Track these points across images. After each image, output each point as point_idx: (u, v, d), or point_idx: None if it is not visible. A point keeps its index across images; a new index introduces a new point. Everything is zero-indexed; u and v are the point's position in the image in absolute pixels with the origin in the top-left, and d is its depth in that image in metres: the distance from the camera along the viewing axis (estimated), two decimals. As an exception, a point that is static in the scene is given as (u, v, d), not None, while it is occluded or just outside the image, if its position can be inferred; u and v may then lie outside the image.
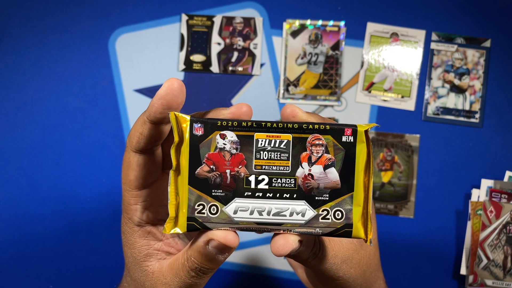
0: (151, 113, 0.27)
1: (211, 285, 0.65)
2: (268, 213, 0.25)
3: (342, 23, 0.66)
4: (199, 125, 0.24)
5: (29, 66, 0.66)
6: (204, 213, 0.25)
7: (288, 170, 0.25)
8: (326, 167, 0.25)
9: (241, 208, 0.25)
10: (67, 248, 0.65)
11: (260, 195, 0.25)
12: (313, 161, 0.25)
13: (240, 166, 0.24)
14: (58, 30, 0.66)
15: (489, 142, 0.64)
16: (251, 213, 0.25)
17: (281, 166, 0.25)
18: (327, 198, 0.25)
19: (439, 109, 0.65)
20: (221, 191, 0.24)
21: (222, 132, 0.24)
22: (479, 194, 0.63)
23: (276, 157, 0.24)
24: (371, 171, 0.25)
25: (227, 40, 0.66)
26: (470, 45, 0.65)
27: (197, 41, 0.66)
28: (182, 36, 0.66)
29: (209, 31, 0.66)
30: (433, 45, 0.65)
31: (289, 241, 0.26)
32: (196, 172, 0.24)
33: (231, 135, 0.24)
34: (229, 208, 0.25)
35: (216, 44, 0.66)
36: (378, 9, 0.66)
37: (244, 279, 0.65)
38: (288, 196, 0.25)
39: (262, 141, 0.24)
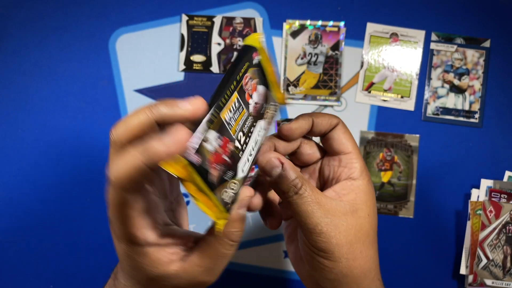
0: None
1: (212, 285, 0.65)
2: (253, 149, 0.32)
3: (342, 24, 0.66)
4: (196, 155, 0.26)
5: (30, 66, 0.66)
6: (228, 193, 0.29)
7: (246, 114, 0.31)
8: (257, 89, 0.33)
9: (242, 166, 0.30)
10: (68, 248, 0.65)
11: (245, 145, 0.31)
12: (251, 94, 0.32)
13: (228, 145, 0.29)
14: (59, 30, 0.66)
15: (488, 142, 0.65)
16: (247, 160, 0.31)
17: (242, 117, 0.30)
18: (264, 105, 0.34)
19: (439, 109, 0.65)
20: (229, 171, 0.29)
21: (206, 141, 0.27)
22: (478, 194, 0.63)
23: (237, 115, 0.30)
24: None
25: (227, 40, 0.66)
26: (470, 45, 0.65)
27: (197, 41, 0.66)
28: (182, 36, 0.66)
29: (209, 31, 0.66)
30: (432, 45, 0.66)
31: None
32: (210, 180, 0.27)
33: (212, 135, 0.27)
34: (239, 175, 0.30)
35: (216, 44, 0.66)
36: (378, 10, 0.66)
37: (245, 279, 0.65)
38: (253, 127, 0.32)
39: (226, 115, 0.28)
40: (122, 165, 0.27)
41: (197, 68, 0.66)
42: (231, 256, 0.32)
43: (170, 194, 0.35)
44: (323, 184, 0.39)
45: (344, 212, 0.33)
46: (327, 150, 0.38)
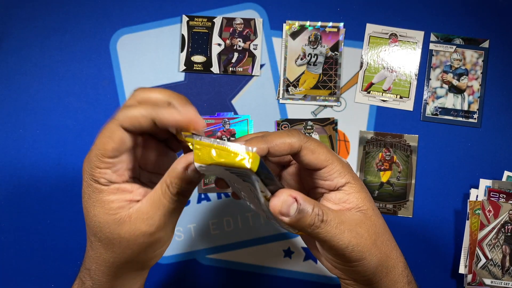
0: (174, 123, 0.32)
1: (212, 285, 0.65)
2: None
3: (341, 24, 0.66)
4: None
5: (30, 66, 0.66)
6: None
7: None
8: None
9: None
10: (69, 248, 0.65)
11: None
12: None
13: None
14: (60, 31, 0.66)
15: (487, 142, 0.65)
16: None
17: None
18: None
19: (438, 109, 0.65)
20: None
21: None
22: (477, 194, 0.63)
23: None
24: None
25: (227, 41, 0.66)
26: (469, 46, 0.66)
27: (197, 42, 0.66)
28: (182, 37, 0.66)
29: (209, 32, 0.66)
30: (431, 46, 0.66)
31: (284, 199, 0.33)
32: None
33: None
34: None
35: (217, 45, 0.66)
36: (377, 10, 0.66)
37: (244, 278, 0.65)
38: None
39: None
40: (134, 110, 0.32)
41: (197, 68, 0.66)
42: (171, 211, 0.33)
43: (151, 166, 0.38)
44: (304, 184, 0.41)
45: (359, 220, 0.35)
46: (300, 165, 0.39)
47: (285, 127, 0.66)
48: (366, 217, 0.36)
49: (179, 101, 0.33)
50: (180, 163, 0.32)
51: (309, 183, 0.39)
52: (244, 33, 0.66)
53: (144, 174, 0.38)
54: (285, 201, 0.32)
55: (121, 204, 0.34)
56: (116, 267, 0.36)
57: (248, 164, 0.27)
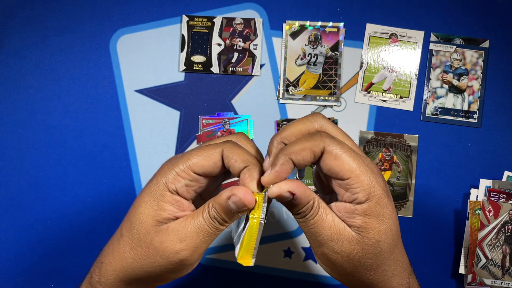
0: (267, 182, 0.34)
1: (212, 285, 0.65)
2: None
3: (341, 24, 0.66)
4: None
5: (31, 66, 0.66)
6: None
7: None
8: None
9: None
10: (68, 248, 0.65)
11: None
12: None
13: None
14: (60, 31, 0.66)
15: (487, 142, 0.65)
16: None
17: None
18: None
19: (438, 109, 0.65)
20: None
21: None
22: (477, 194, 0.63)
23: None
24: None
25: (227, 41, 0.66)
26: (469, 46, 0.66)
27: (197, 42, 0.66)
28: (182, 37, 0.66)
29: (209, 32, 0.66)
30: (431, 46, 0.66)
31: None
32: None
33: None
34: None
35: (217, 45, 0.66)
36: (377, 10, 0.66)
37: (244, 278, 0.65)
38: None
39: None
40: (243, 156, 0.35)
41: (197, 68, 0.66)
42: (204, 233, 0.34)
43: (206, 194, 0.39)
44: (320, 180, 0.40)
45: (349, 239, 0.34)
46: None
47: (285, 127, 0.66)
48: (359, 243, 0.34)
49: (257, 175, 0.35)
50: (226, 192, 0.33)
51: (324, 182, 0.38)
52: (244, 33, 0.66)
53: (199, 200, 0.39)
54: (280, 196, 0.34)
55: (169, 216, 0.35)
56: (130, 271, 0.36)
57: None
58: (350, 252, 0.34)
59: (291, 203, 0.34)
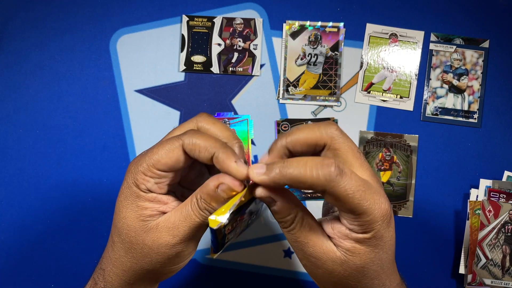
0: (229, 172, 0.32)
1: (212, 285, 0.65)
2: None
3: (341, 24, 0.66)
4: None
5: (31, 66, 0.66)
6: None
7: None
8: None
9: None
10: (68, 248, 0.65)
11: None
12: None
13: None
14: (59, 31, 0.66)
15: (487, 142, 0.65)
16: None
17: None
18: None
19: (438, 109, 0.65)
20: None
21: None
22: (477, 194, 0.63)
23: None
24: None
25: (227, 41, 0.66)
26: (469, 45, 0.66)
27: (197, 42, 0.66)
28: (182, 37, 0.66)
29: (209, 32, 0.66)
30: (431, 46, 0.66)
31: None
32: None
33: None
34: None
35: (217, 45, 0.66)
36: (377, 10, 0.66)
37: (244, 278, 0.65)
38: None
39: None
40: (201, 140, 0.33)
41: (197, 68, 0.66)
42: (197, 225, 0.34)
43: (187, 183, 0.39)
44: None
45: (332, 259, 0.32)
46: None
47: (285, 127, 0.66)
48: (343, 265, 0.32)
49: (240, 151, 0.35)
50: (212, 180, 0.33)
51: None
52: (244, 33, 0.66)
53: (178, 188, 0.39)
54: (262, 199, 0.33)
55: (153, 213, 0.35)
56: (132, 273, 0.36)
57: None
58: (332, 271, 0.33)
59: (273, 210, 0.33)
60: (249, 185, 0.33)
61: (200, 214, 0.34)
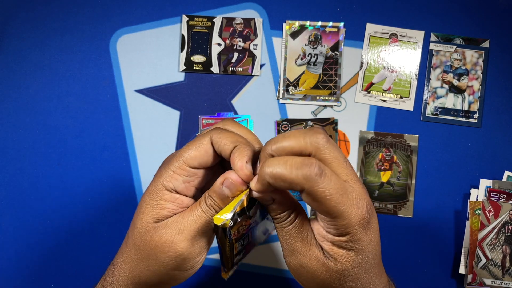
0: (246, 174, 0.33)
1: (212, 285, 0.65)
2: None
3: (341, 24, 0.66)
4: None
5: (31, 66, 0.66)
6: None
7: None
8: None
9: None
10: (68, 248, 0.65)
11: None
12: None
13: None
14: (59, 31, 0.66)
15: (487, 142, 0.65)
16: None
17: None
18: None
19: (438, 109, 0.65)
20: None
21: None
22: (477, 194, 0.63)
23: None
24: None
25: (227, 41, 0.66)
26: (469, 45, 0.66)
27: (197, 42, 0.66)
28: (182, 37, 0.66)
29: (209, 32, 0.66)
30: (432, 46, 0.66)
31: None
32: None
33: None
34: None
35: (217, 45, 0.66)
36: (377, 10, 0.66)
37: (244, 278, 0.65)
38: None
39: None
40: (229, 137, 0.34)
41: (197, 68, 0.66)
42: (204, 224, 0.35)
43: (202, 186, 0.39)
44: None
45: (317, 257, 0.33)
46: None
47: (285, 127, 0.66)
48: (325, 266, 0.33)
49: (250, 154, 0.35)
50: (220, 178, 0.34)
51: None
52: (244, 33, 0.66)
53: (200, 195, 0.39)
54: (260, 198, 0.34)
55: (169, 214, 0.35)
56: (138, 271, 0.36)
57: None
58: (315, 271, 0.33)
59: (270, 207, 0.34)
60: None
61: (206, 210, 0.34)
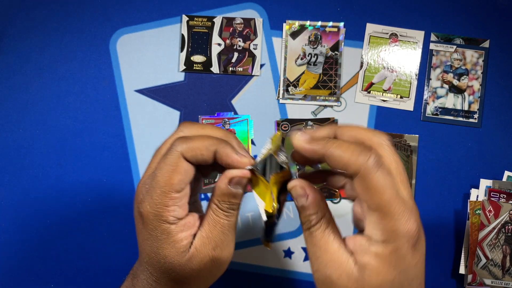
0: (231, 161, 0.33)
1: (212, 285, 0.65)
2: None
3: (341, 24, 0.66)
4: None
5: (30, 66, 0.66)
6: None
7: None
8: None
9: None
10: (68, 248, 0.65)
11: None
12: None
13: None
14: (59, 31, 0.66)
15: (487, 142, 0.65)
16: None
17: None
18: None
19: (438, 109, 0.65)
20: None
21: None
22: (478, 194, 0.63)
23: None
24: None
25: (227, 41, 0.66)
26: (469, 45, 0.66)
27: (197, 41, 0.66)
28: (182, 36, 0.66)
29: (209, 32, 0.66)
30: (432, 46, 0.66)
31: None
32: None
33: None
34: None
35: (217, 44, 0.66)
36: (377, 10, 0.66)
37: (244, 278, 0.65)
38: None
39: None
40: (197, 142, 0.33)
41: (197, 68, 0.66)
42: (228, 227, 0.35)
43: (195, 192, 0.39)
44: None
45: (349, 273, 0.30)
46: None
47: (285, 127, 0.66)
48: (357, 279, 0.30)
49: (238, 144, 0.36)
50: (222, 181, 0.34)
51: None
52: (244, 33, 0.66)
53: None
54: (295, 188, 0.34)
55: (189, 240, 0.34)
56: (152, 255, 0.35)
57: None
58: (346, 287, 0.31)
59: (302, 205, 0.32)
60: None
61: (226, 215, 0.34)
